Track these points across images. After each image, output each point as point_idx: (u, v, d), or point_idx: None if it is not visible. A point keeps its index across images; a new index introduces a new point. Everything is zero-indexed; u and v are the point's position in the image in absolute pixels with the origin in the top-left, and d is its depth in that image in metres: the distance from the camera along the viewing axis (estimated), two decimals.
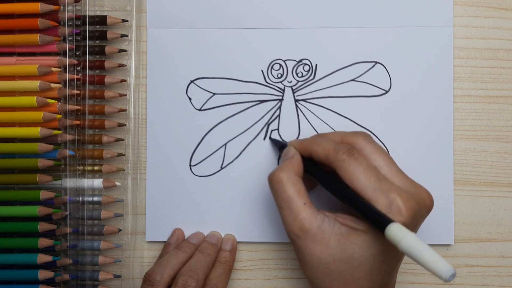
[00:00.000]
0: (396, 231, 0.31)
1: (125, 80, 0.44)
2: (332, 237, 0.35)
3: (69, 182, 0.43)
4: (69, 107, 0.42)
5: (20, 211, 0.41)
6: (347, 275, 0.34)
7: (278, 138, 0.44)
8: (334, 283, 0.35)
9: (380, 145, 0.40)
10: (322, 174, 0.38)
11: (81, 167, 0.43)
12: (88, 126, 0.44)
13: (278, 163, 0.44)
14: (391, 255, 0.35)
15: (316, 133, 0.44)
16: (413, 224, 0.34)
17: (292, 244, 0.37)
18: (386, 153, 0.37)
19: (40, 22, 0.41)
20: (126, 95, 0.44)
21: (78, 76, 0.43)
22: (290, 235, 0.36)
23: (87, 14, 0.43)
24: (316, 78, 0.44)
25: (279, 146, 0.43)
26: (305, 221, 0.35)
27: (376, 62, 0.44)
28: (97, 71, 0.44)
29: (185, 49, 0.45)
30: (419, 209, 0.34)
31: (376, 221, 0.33)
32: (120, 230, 0.44)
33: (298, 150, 0.39)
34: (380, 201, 0.33)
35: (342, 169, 0.35)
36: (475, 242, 0.44)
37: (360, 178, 0.34)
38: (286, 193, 0.36)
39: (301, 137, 0.44)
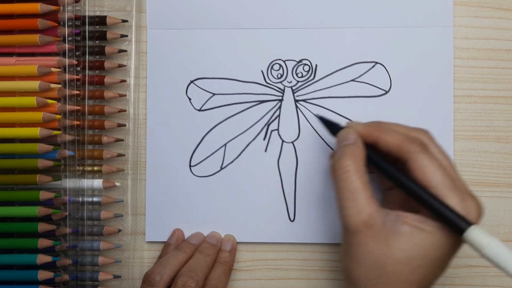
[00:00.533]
0: (480, 235, 0.29)
1: (125, 81, 0.44)
2: (393, 235, 0.33)
3: (69, 183, 0.43)
4: (69, 107, 0.42)
5: (20, 211, 0.41)
6: (402, 276, 0.33)
7: (278, 136, 0.44)
8: (386, 286, 0.33)
9: None
10: (389, 167, 0.35)
11: (81, 168, 0.43)
12: (88, 127, 0.44)
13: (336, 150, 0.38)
14: (447, 261, 0.34)
15: (316, 133, 0.44)
16: None
17: (345, 239, 0.35)
18: (448, 155, 0.36)
19: (40, 23, 0.41)
20: (126, 95, 0.44)
21: (78, 77, 0.43)
22: (349, 228, 0.34)
23: (86, 15, 0.43)
24: (316, 79, 0.44)
25: (331, 127, 0.39)
26: (371, 216, 0.33)
27: (376, 63, 0.44)
28: (97, 72, 0.44)
29: (185, 49, 0.45)
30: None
31: (452, 222, 0.31)
32: (120, 230, 0.44)
33: (361, 135, 0.36)
34: (454, 201, 0.32)
35: (417, 161, 0.33)
36: None
37: (435, 173, 0.33)
38: (353, 183, 0.34)
39: (301, 138, 0.44)
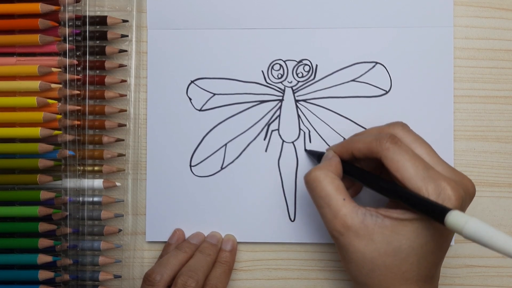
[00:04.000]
0: (458, 218, 0.30)
1: (125, 81, 0.44)
2: (376, 230, 0.34)
3: (69, 183, 0.43)
4: (69, 107, 0.42)
5: (20, 211, 0.41)
6: (393, 268, 0.34)
7: (278, 136, 0.44)
8: (380, 278, 0.34)
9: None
10: (365, 173, 0.37)
11: (81, 168, 0.43)
12: (88, 127, 0.44)
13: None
14: (438, 245, 0.34)
15: (316, 133, 0.44)
16: None
17: (334, 242, 0.36)
18: (426, 142, 0.36)
19: (41, 23, 0.41)
20: (126, 95, 0.44)
21: (79, 77, 0.43)
22: (332, 233, 0.35)
23: (87, 15, 0.43)
24: (316, 79, 0.44)
25: (317, 156, 0.42)
26: (347, 217, 0.34)
27: (376, 63, 0.44)
28: (98, 72, 0.44)
29: (185, 49, 0.45)
30: (465, 197, 0.34)
31: (432, 211, 0.32)
32: (120, 230, 0.44)
33: (338, 153, 0.38)
34: (430, 190, 0.33)
35: (388, 158, 0.34)
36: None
37: (407, 166, 0.34)
38: (324, 190, 0.35)
39: (301, 138, 0.44)
